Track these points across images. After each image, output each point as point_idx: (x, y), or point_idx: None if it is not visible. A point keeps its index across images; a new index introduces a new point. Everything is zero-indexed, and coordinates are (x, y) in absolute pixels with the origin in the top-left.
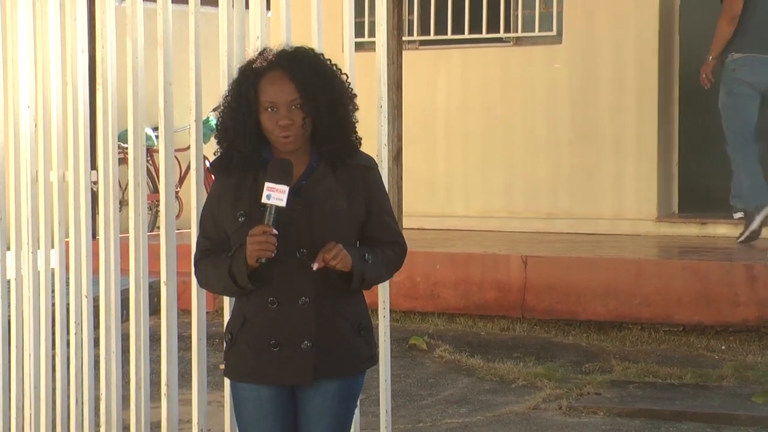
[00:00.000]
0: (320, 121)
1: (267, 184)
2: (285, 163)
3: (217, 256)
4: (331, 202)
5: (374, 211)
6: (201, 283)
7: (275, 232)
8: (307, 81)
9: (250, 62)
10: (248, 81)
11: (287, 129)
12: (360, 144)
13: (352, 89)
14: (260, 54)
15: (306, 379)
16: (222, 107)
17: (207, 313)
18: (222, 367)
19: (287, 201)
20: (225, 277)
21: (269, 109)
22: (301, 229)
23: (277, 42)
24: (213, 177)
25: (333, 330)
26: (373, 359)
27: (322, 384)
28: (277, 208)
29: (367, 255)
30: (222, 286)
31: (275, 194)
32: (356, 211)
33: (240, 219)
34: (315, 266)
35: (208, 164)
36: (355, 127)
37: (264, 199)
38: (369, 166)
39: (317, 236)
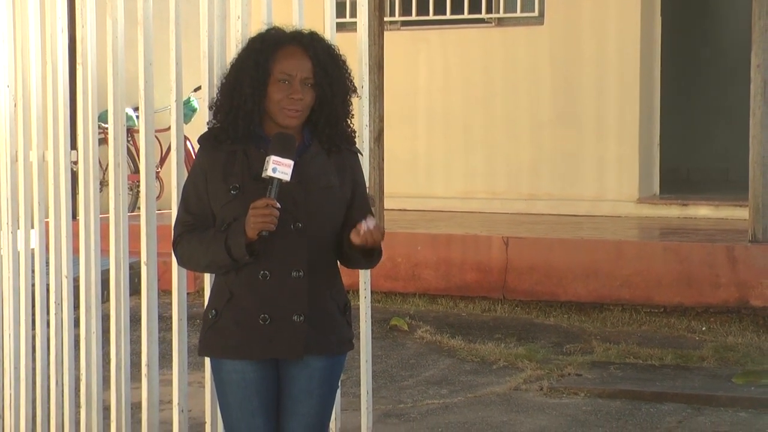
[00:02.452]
0: (327, 105)
1: (273, 158)
2: (289, 137)
3: (203, 231)
4: (325, 178)
5: (359, 195)
6: (181, 259)
7: (278, 205)
8: (324, 63)
9: (264, 34)
10: (267, 50)
11: (297, 104)
12: (355, 136)
13: (354, 86)
14: (273, 29)
15: (296, 352)
16: (230, 73)
17: (188, 293)
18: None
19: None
20: (216, 250)
21: (281, 81)
22: (297, 203)
23: (258, 21)
24: (195, 156)
25: (323, 306)
26: (352, 343)
27: (309, 363)
28: (279, 181)
29: None
30: (209, 260)
31: (281, 168)
32: (345, 191)
33: (232, 192)
34: (364, 225)
35: (189, 144)
36: (352, 119)
37: (270, 173)
38: (357, 152)
39: (312, 211)
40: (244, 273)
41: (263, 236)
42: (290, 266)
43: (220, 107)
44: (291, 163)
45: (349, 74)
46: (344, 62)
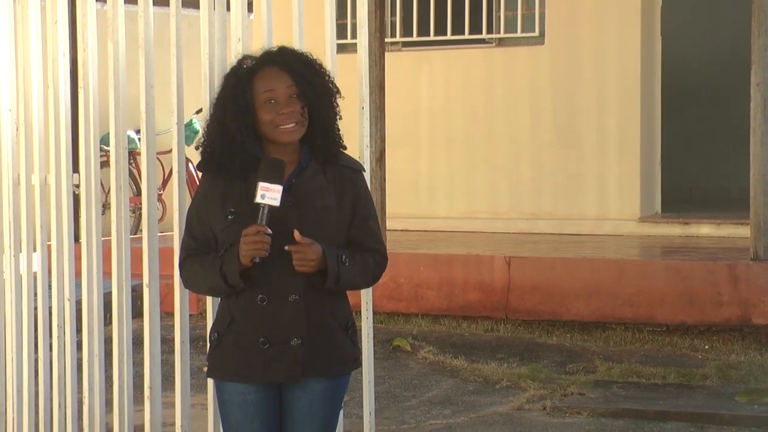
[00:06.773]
0: (316, 111)
1: (261, 184)
2: (278, 162)
3: (204, 256)
4: (321, 199)
5: (360, 214)
6: (186, 283)
7: (270, 231)
8: (300, 71)
9: (237, 66)
10: (242, 81)
11: (290, 117)
12: (345, 147)
13: (336, 87)
14: (243, 58)
15: (294, 376)
16: (214, 111)
17: (190, 315)
18: (205, 369)
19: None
20: (214, 277)
21: (267, 102)
22: (291, 226)
23: (259, 44)
24: (197, 178)
25: (322, 328)
26: (358, 361)
27: (310, 385)
28: (270, 207)
29: (344, 257)
30: (209, 285)
31: (269, 194)
32: (344, 210)
33: (229, 217)
34: (287, 248)
35: (191, 166)
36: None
37: (258, 199)
38: (357, 169)
39: (307, 233)
40: (243, 297)
41: (256, 263)
42: (287, 290)
43: (210, 145)
44: (279, 188)
45: (329, 76)
46: (321, 66)
